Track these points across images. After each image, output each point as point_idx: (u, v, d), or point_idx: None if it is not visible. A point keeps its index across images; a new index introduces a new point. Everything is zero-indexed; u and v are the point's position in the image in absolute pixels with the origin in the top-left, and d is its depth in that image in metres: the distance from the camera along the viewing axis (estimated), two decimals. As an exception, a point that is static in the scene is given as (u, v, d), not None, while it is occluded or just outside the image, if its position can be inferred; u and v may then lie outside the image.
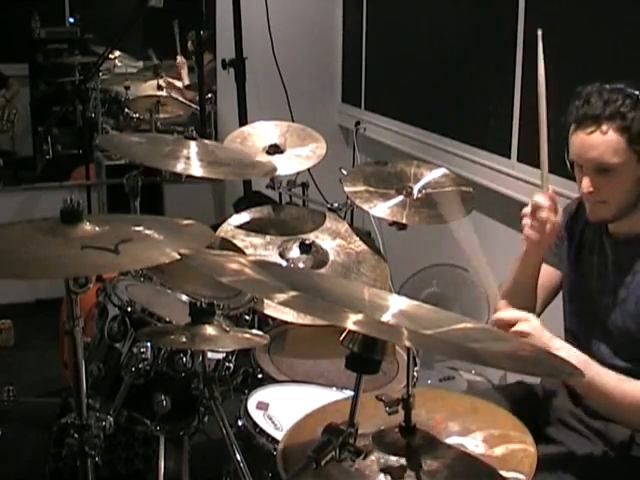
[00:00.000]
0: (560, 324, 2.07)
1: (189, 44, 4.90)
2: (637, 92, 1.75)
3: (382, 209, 2.50)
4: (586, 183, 1.82)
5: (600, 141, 1.76)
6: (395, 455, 1.35)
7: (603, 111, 1.75)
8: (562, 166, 1.90)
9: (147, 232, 1.58)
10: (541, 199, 1.91)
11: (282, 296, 1.27)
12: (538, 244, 1.94)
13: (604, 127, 1.75)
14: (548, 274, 2.09)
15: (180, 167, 2.28)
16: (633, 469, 1.86)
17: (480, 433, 1.44)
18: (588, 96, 1.79)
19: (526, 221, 1.92)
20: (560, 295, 2.10)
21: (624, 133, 1.74)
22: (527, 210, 1.92)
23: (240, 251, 2.46)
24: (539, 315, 2.08)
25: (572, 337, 2.02)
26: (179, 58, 4.90)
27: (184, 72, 4.92)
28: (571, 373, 1.29)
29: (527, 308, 1.87)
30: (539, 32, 1.96)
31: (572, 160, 1.85)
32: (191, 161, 2.31)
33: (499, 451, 1.39)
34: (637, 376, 1.77)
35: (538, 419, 2.01)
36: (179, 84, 4.98)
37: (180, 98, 4.89)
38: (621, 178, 1.78)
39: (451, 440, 1.41)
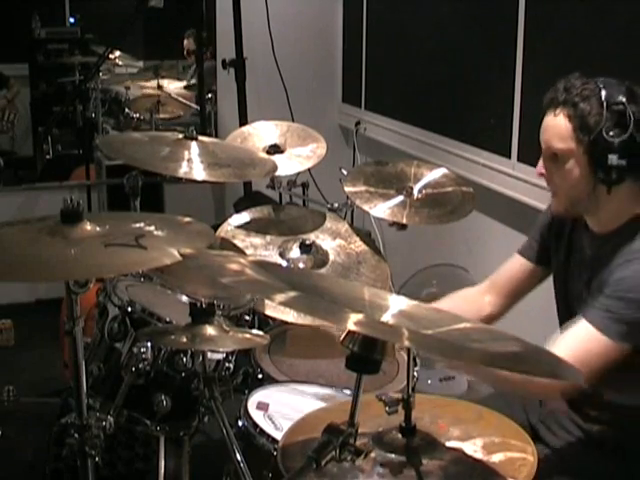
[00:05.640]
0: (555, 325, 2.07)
1: (185, 45, 4.91)
2: (600, 86, 1.77)
3: (382, 209, 2.50)
4: (539, 164, 1.88)
5: (552, 124, 1.81)
6: (393, 453, 1.36)
7: (560, 96, 1.80)
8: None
9: (149, 229, 1.57)
10: None
11: (282, 296, 1.26)
12: None
13: (557, 110, 1.80)
14: (519, 265, 2.11)
15: (182, 171, 2.27)
16: (629, 476, 1.86)
17: (480, 439, 1.44)
18: (558, 83, 1.83)
19: None
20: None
21: (571, 120, 1.77)
22: None
23: (240, 251, 2.46)
24: (509, 307, 2.14)
25: None
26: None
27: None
28: (571, 373, 1.29)
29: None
30: None
31: None
32: (192, 164, 2.30)
33: (497, 458, 1.39)
34: None
35: (535, 423, 2.01)
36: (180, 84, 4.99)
37: (180, 98, 4.89)
38: (567, 168, 1.81)
39: (450, 444, 1.41)
